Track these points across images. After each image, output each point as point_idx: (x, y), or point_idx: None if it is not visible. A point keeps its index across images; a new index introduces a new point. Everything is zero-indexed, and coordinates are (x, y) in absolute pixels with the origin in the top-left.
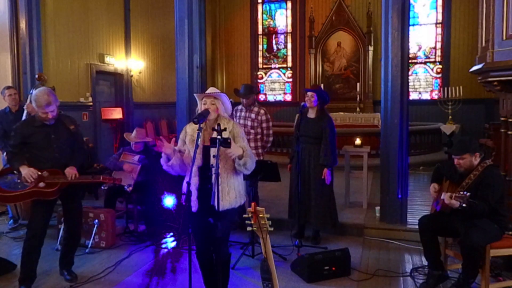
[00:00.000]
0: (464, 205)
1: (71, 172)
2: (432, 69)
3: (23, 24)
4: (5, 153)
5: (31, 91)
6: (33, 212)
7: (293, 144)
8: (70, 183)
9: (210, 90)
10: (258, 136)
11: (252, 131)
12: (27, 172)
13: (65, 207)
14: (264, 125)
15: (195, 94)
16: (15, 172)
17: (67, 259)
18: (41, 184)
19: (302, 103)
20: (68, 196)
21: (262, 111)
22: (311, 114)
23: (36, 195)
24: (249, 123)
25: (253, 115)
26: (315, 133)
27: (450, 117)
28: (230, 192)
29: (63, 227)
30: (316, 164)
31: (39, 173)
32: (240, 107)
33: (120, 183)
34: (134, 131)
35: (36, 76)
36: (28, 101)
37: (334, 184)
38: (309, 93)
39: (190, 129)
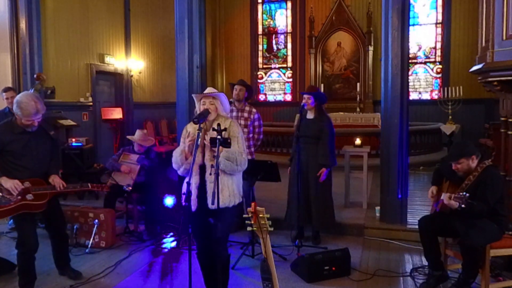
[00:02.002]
0: (463, 205)
1: (58, 181)
2: (432, 69)
3: (23, 24)
4: None
5: (30, 91)
6: (20, 227)
7: (292, 145)
8: (58, 193)
9: (208, 90)
10: (250, 135)
11: (245, 129)
12: (10, 184)
13: (46, 215)
14: (256, 123)
15: (193, 95)
16: None
17: (63, 260)
18: (29, 196)
19: (302, 103)
20: (48, 204)
21: (254, 110)
22: (310, 115)
23: (24, 208)
24: (242, 122)
25: (245, 114)
26: (314, 133)
27: (450, 117)
28: (224, 190)
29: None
30: (315, 164)
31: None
32: (231, 107)
33: (108, 190)
34: (137, 132)
35: (35, 76)
36: None
37: (334, 184)
38: (305, 96)
39: (192, 128)
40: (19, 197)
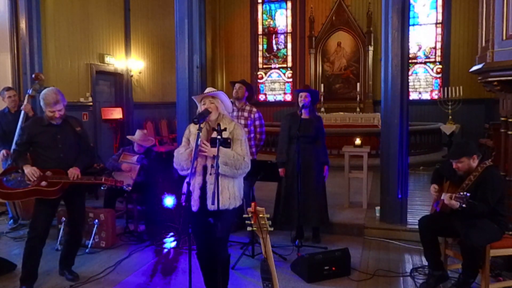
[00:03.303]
0: (464, 205)
1: (73, 172)
2: (432, 69)
3: (23, 24)
4: (1, 152)
5: (29, 91)
6: (36, 212)
7: (282, 147)
8: (72, 183)
9: (207, 90)
10: (252, 135)
11: (245, 129)
12: (29, 170)
13: (68, 208)
14: (257, 122)
15: (193, 97)
16: (19, 170)
17: (68, 260)
18: (43, 183)
19: (304, 103)
20: (72, 197)
21: (254, 109)
22: (304, 114)
23: (37, 194)
24: (242, 121)
25: (246, 114)
26: (311, 132)
27: (450, 117)
28: (224, 192)
29: (65, 228)
30: (316, 163)
31: (41, 172)
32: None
33: (122, 185)
34: (137, 132)
35: (33, 76)
36: (25, 102)
37: (334, 184)
38: (302, 94)
39: (194, 128)
40: (35, 183)
